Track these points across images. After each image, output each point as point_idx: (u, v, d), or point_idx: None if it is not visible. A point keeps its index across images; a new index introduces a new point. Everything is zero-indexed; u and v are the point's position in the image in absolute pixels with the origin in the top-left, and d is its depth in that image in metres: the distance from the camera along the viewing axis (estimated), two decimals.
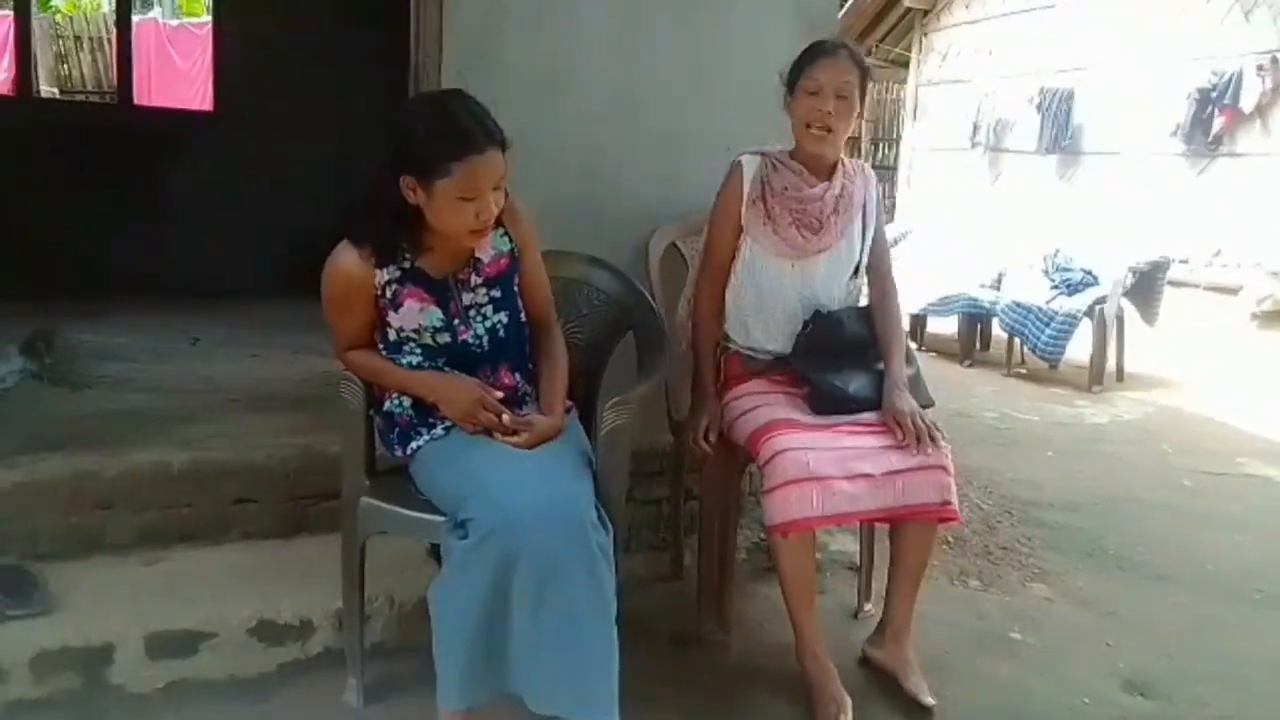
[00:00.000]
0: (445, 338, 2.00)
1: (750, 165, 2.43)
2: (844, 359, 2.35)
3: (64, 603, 2.17)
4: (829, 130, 2.31)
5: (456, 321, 2.00)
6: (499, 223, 2.01)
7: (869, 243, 2.48)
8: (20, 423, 2.70)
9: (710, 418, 2.37)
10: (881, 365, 2.37)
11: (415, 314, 1.97)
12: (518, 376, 2.09)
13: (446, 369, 2.01)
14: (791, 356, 2.39)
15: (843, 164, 2.44)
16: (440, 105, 1.91)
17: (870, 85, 2.40)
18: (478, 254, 2.02)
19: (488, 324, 2.04)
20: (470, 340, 2.02)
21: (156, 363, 3.56)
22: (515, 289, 2.08)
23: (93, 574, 2.31)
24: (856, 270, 2.48)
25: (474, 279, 2.02)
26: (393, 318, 1.98)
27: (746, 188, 2.40)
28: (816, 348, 2.35)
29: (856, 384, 2.31)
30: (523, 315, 2.10)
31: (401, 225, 1.91)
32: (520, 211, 2.06)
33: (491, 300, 2.04)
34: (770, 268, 2.40)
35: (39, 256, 4.48)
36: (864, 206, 2.46)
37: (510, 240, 2.07)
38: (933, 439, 2.19)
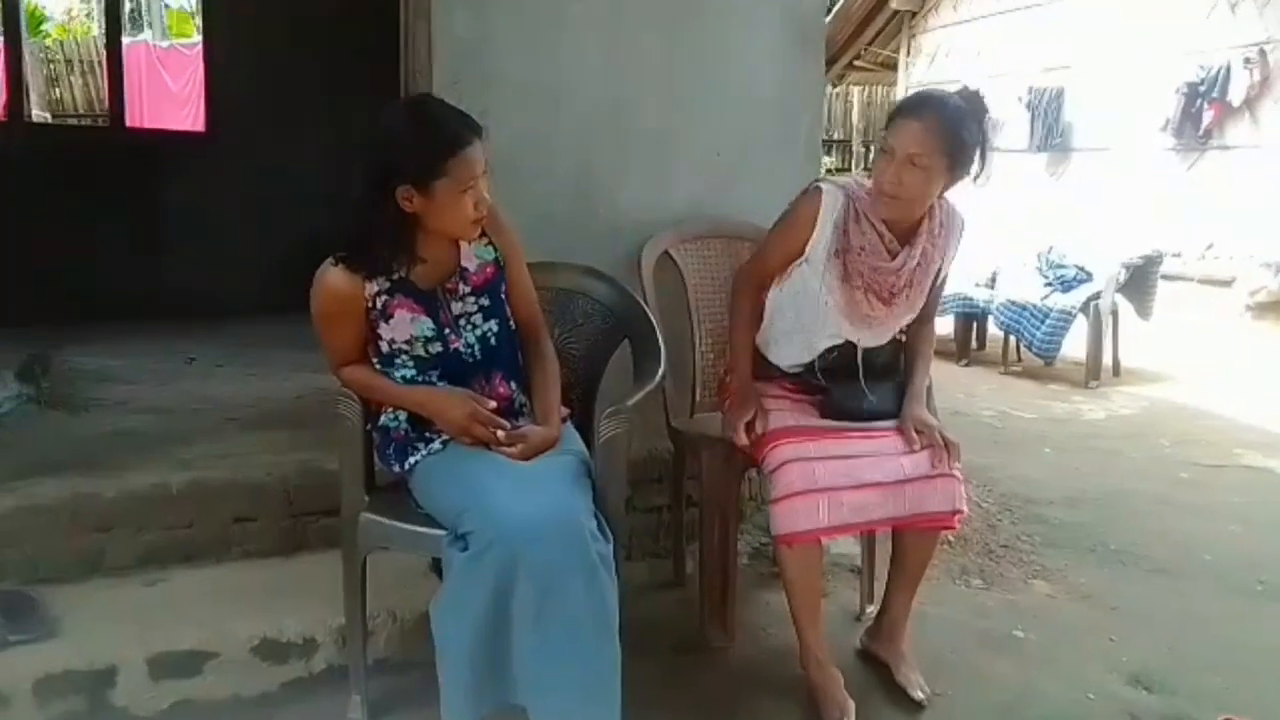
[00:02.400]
0: (437, 347, 2.01)
1: (831, 204, 2.22)
2: (865, 377, 2.31)
3: (66, 626, 2.17)
4: (896, 198, 2.14)
5: (447, 330, 2.02)
6: (482, 232, 2.04)
7: (932, 290, 2.35)
8: (18, 447, 2.70)
9: (756, 409, 2.24)
10: (900, 379, 2.35)
11: (406, 324, 1.98)
12: (513, 386, 2.10)
13: (440, 383, 2.02)
14: (807, 371, 2.35)
15: (929, 217, 2.24)
16: (417, 112, 1.95)
17: (967, 160, 2.13)
18: (464, 263, 2.04)
19: (478, 332, 2.05)
20: (462, 349, 2.03)
21: (153, 384, 3.57)
22: (503, 297, 2.10)
23: (94, 596, 2.31)
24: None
25: (462, 288, 2.03)
26: (383, 329, 1.99)
27: (826, 228, 2.23)
28: (839, 369, 2.31)
29: (873, 396, 2.29)
30: (512, 324, 2.11)
31: (397, 239, 1.93)
32: (503, 222, 2.10)
33: (481, 309, 2.05)
34: (830, 321, 2.28)
35: (33, 280, 4.49)
36: (943, 261, 2.30)
37: (495, 249, 2.09)
38: (957, 458, 2.18)
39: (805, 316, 2.31)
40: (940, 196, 2.23)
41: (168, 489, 2.48)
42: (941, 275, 2.35)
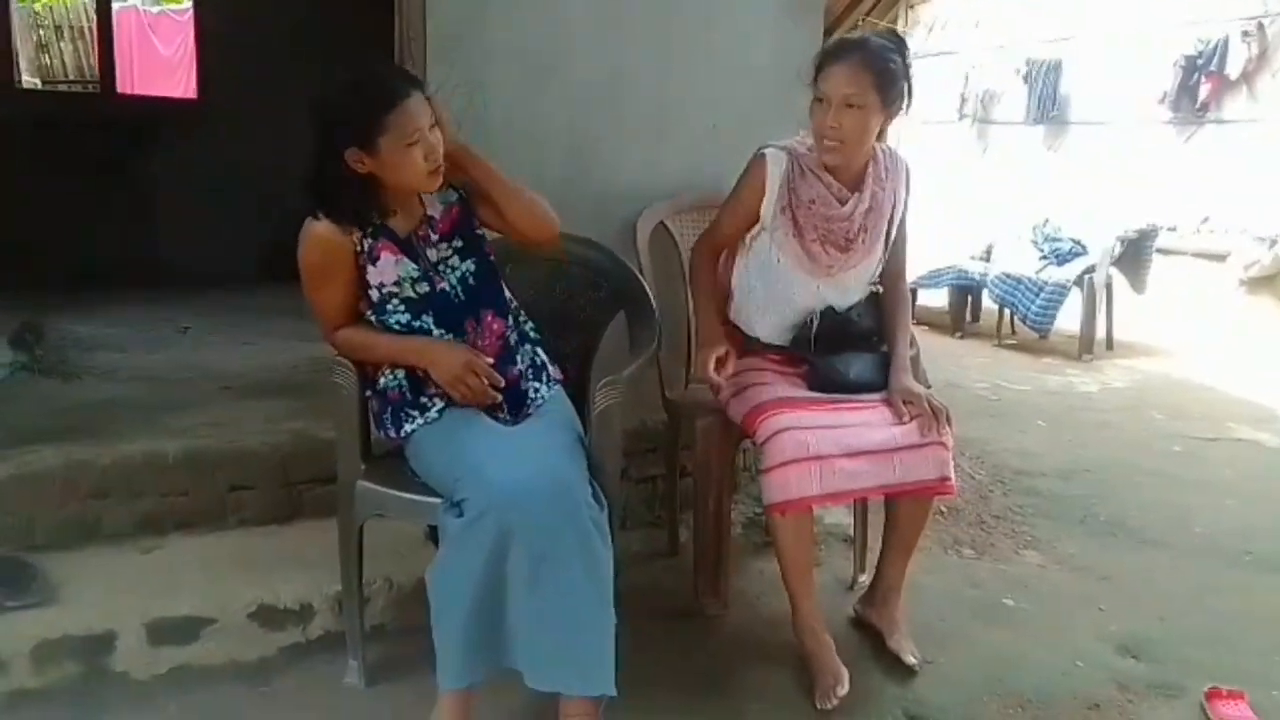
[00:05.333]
0: (424, 287, 2.02)
1: (776, 166, 2.28)
2: (846, 345, 2.33)
3: (63, 593, 2.18)
4: (840, 142, 2.19)
5: (430, 272, 2.04)
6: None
7: (893, 239, 2.38)
8: (12, 415, 2.70)
9: (721, 348, 2.25)
10: (884, 348, 2.36)
11: (392, 266, 2.00)
12: (506, 321, 2.11)
13: (438, 330, 2.03)
14: (792, 344, 2.37)
15: (873, 162, 2.30)
16: (352, 76, 1.95)
17: (900, 93, 2.20)
18: (429, 212, 2.06)
19: (458, 274, 2.07)
20: (447, 289, 2.04)
21: (147, 352, 3.56)
22: (477, 233, 2.11)
23: (90, 563, 2.32)
24: (878, 270, 2.41)
25: (432, 235, 2.06)
26: (372, 273, 2.00)
27: (774, 191, 2.28)
28: (821, 339, 2.33)
29: (857, 367, 2.31)
30: (491, 256, 2.13)
31: (362, 200, 1.96)
32: (470, 156, 2.08)
33: (456, 251, 2.07)
34: (793, 280, 2.33)
35: (26, 248, 4.46)
36: (894, 205, 2.34)
37: (456, 191, 2.10)
38: (948, 422, 2.20)
39: (774, 283, 2.34)
40: (880, 138, 2.29)
41: (163, 457, 2.48)
42: (898, 222, 2.38)
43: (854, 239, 2.30)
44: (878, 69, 2.16)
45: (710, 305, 2.41)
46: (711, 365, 2.23)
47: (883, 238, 2.36)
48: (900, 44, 2.27)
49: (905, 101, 2.24)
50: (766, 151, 2.32)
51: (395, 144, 1.88)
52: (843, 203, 2.28)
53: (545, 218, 2.11)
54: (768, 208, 2.30)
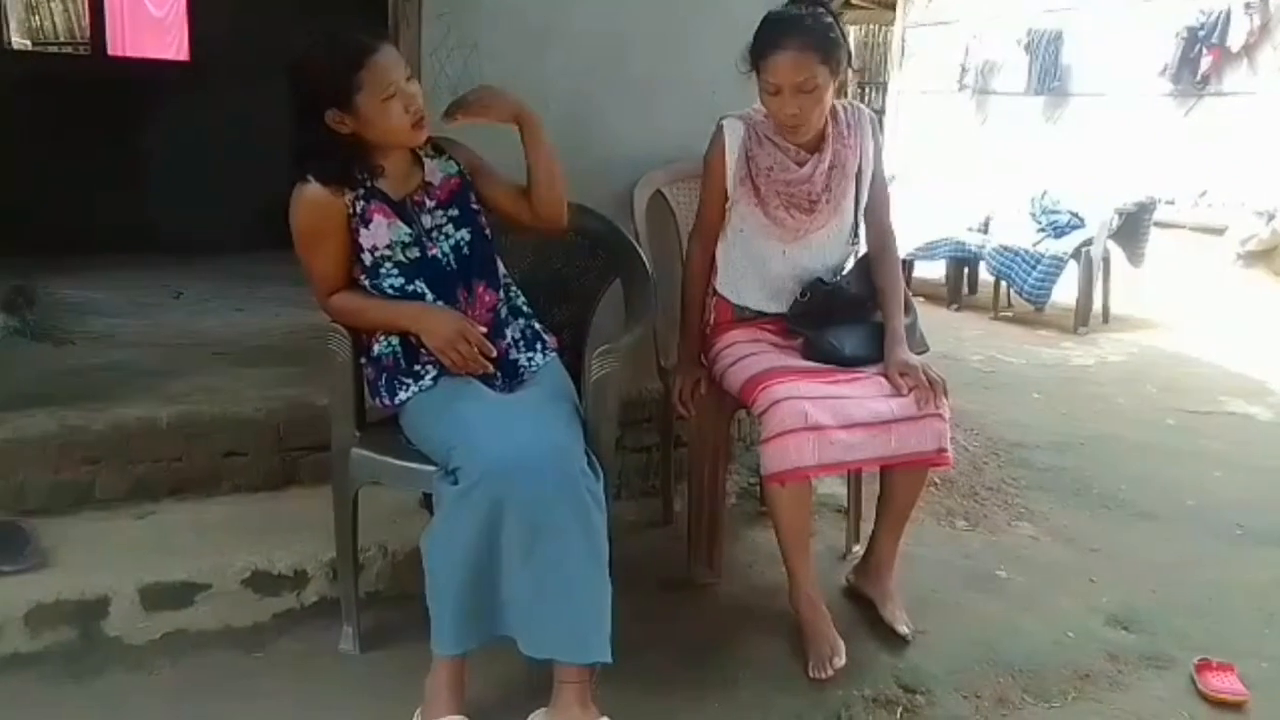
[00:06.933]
0: (415, 253, 2.01)
1: (733, 135, 2.31)
2: (840, 316, 2.33)
3: (57, 557, 2.18)
4: (802, 123, 2.21)
5: (423, 238, 2.03)
6: (439, 150, 2.07)
7: (865, 195, 2.39)
8: (4, 379, 2.69)
9: (692, 381, 2.39)
10: (879, 316, 2.35)
11: (384, 230, 1.99)
12: (498, 293, 2.10)
13: (429, 295, 2.02)
14: (787, 318, 2.36)
15: (832, 121, 2.29)
16: (321, 37, 1.94)
17: (844, 55, 2.19)
18: (428, 178, 2.05)
19: (451, 241, 2.06)
20: (439, 255, 2.03)
21: (140, 317, 3.54)
22: (473, 207, 2.10)
23: (84, 528, 2.32)
24: (854, 228, 2.42)
25: (429, 202, 2.05)
26: (364, 236, 1.98)
27: (732, 160, 2.31)
28: (814, 313, 2.32)
29: (853, 341, 2.30)
30: (487, 231, 2.11)
31: (349, 159, 1.95)
32: (457, 144, 2.13)
33: (451, 219, 2.07)
34: (763, 247, 2.34)
35: (17, 212, 4.42)
36: (860, 159, 2.34)
37: (456, 164, 2.10)
38: (944, 394, 2.19)
39: (752, 251, 2.36)
40: (837, 97, 2.29)
41: (157, 422, 2.47)
42: (869, 176, 2.37)
43: (817, 200, 2.30)
44: (821, 45, 2.15)
45: (696, 315, 2.45)
46: (687, 392, 2.37)
47: (851, 195, 2.36)
48: (824, 4, 2.25)
49: (848, 60, 2.24)
50: (724, 122, 2.34)
51: (372, 100, 1.88)
52: (801, 165, 2.28)
53: (564, 204, 2.15)
54: (730, 179, 2.31)
